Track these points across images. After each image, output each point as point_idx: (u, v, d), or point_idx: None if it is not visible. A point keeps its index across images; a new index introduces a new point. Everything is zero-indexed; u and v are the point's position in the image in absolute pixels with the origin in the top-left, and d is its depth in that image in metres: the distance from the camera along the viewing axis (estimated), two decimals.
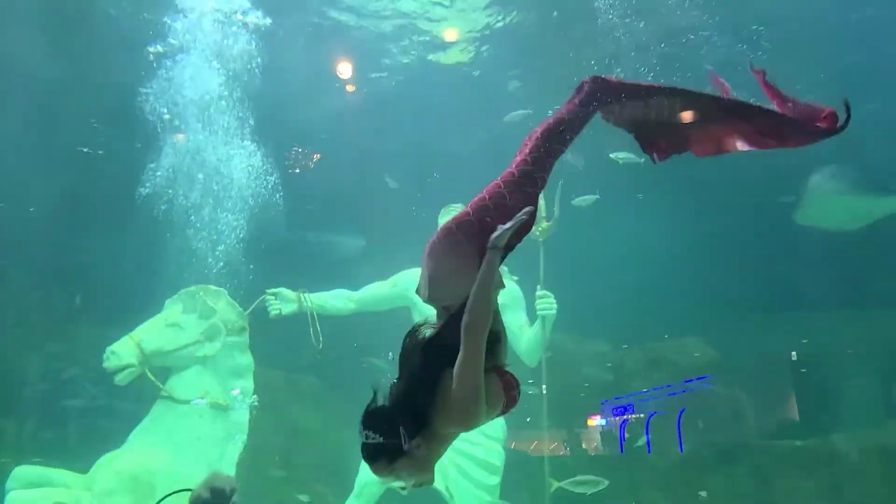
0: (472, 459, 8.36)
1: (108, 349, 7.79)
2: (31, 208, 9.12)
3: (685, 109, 3.29)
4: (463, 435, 8.30)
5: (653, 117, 3.33)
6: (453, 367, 2.73)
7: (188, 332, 8.06)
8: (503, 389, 2.91)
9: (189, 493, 4.24)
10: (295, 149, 10.60)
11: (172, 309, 8.19)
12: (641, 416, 10.28)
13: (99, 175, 9.81)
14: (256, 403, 8.22)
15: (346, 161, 10.43)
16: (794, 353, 12.11)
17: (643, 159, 3.45)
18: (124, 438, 7.91)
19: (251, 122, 9.14)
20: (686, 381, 10.05)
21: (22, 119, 9.24)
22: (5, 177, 9.41)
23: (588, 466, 10.62)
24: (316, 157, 10.77)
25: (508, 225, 2.89)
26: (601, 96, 3.27)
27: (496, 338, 2.95)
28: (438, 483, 8.25)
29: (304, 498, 8.10)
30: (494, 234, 2.87)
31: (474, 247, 2.94)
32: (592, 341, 11.33)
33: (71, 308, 9.61)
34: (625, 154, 8.59)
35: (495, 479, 8.39)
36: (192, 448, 7.84)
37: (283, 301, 8.57)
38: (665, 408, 9.81)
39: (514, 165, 3.16)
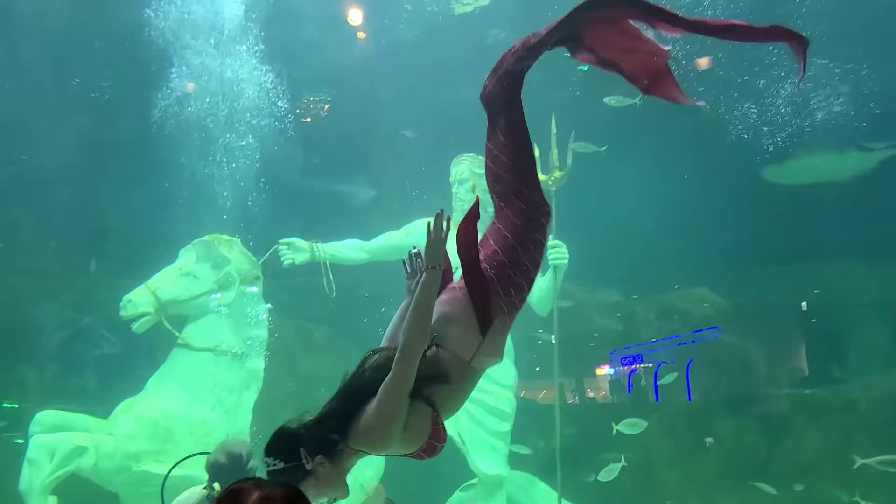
0: (484, 407, 8.48)
1: (125, 297, 7.91)
2: (44, 159, 9.11)
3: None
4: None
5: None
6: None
7: (202, 281, 8.16)
8: (429, 434, 2.79)
9: (206, 456, 4.32)
10: (306, 98, 10.53)
11: (187, 258, 8.27)
12: (650, 365, 10.39)
13: (111, 122, 9.80)
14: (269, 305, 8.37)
15: (357, 110, 10.35)
16: (804, 303, 12.11)
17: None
18: (143, 385, 8.08)
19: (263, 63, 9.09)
20: (695, 331, 10.12)
21: (34, 66, 9.22)
22: (21, 127, 9.42)
23: (596, 414, 10.80)
24: (325, 107, 10.70)
25: (427, 243, 2.87)
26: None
27: (442, 379, 2.84)
28: (451, 430, 8.38)
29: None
30: (426, 253, 2.84)
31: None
32: (603, 291, 11.36)
33: (86, 258, 9.70)
34: (617, 98, 8.53)
35: (506, 426, 8.53)
36: (209, 394, 8.00)
37: (295, 251, 8.64)
38: (674, 357, 9.91)
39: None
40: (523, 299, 3.00)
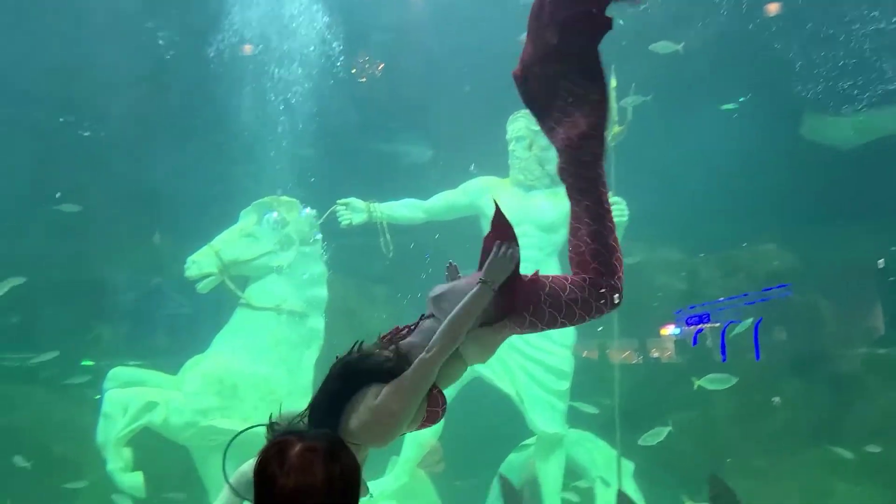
0: (542, 365, 8.46)
1: (189, 259, 8.14)
2: (99, 133, 9.36)
3: None
4: (532, 342, 8.38)
5: None
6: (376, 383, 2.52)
7: (263, 242, 8.32)
8: (426, 402, 2.70)
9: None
10: (362, 57, 10.49)
11: (247, 220, 8.44)
12: (717, 325, 10.15)
13: (173, 90, 9.98)
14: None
15: (413, 68, 10.27)
16: (881, 260, 11.59)
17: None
18: (209, 343, 8.34)
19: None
20: (765, 290, 9.82)
21: (95, 39, 9.43)
22: (89, 94, 9.68)
23: (661, 374, 10.66)
24: (380, 66, 10.64)
25: (494, 258, 2.77)
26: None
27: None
28: (508, 388, 8.42)
29: None
30: (486, 269, 2.74)
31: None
32: (665, 249, 11.11)
33: (153, 220, 9.96)
34: (663, 44, 8.23)
35: (565, 385, 8.49)
36: (272, 352, 8.21)
37: (353, 211, 8.70)
38: (741, 316, 9.65)
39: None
40: (531, 329, 2.93)
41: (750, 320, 8.42)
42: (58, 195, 9.17)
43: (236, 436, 3.54)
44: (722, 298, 10.06)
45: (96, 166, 9.85)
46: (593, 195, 2.99)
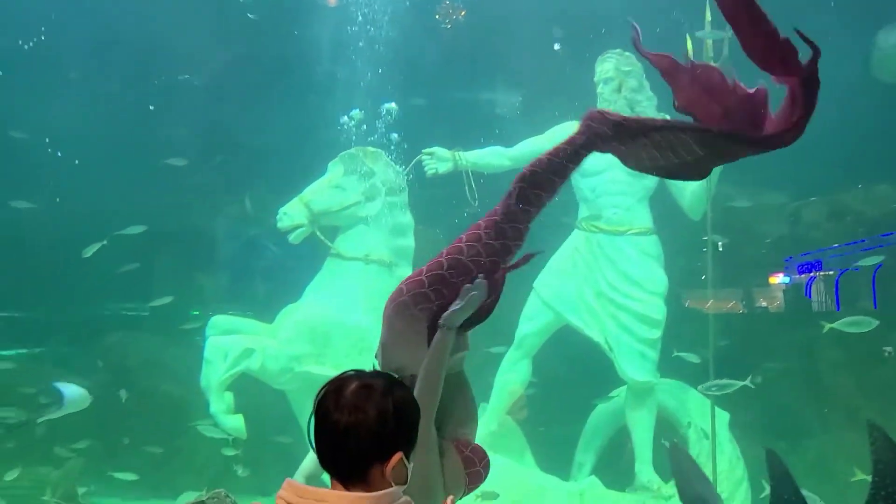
0: (632, 314, 8.29)
1: (281, 210, 8.36)
2: (184, 75, 9.60)
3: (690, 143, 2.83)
4: (622, 289, 8.19)
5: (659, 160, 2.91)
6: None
7: (350, 192, 8.45)
8: (462, 466, 2.60)
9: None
10: (445, 2, 10.32)
11: (335, 171, 8.57)
12: (831, 272, 9.64)
13: (260, 40, 10.13)
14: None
15: (499, 13, 10.02)
16: None
17: None
18: (302, 292, 8.60)
19: None
20: (885, 235, 9.24)
21: None
22: (181, 46, 9.95)
23: (765, 324, 10.24)
24: (462, 12, 10.43)
25: (459, 305, 2.67)
26: (599, 136, 2.99)
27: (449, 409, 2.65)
28: (597, 336, 8.31)
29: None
30: (446, 314, 2.66)
31: (426, 318, 2.73)
32: (766, 193, 10.55)
33: (247, 173, 10.24)
34: None
35: (656, 333, 8.30)
36: (361, 301, 8.39)
37: (438, 160, 8.67)
38: (853, 264, 9.11)
39: (497, 210, 2.99)
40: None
41: (874, 261, 7.94)
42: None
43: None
44: (836, 245, 9.54)
45: (192, 121, 10.18)
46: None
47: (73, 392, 7.27)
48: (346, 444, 1.62)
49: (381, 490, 1.61)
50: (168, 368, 9.41)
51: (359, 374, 1.72)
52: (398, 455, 1.64)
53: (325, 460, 1.66)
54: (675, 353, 8.32)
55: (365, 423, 1.62)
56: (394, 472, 1.64)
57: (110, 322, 10.54)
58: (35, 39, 9.79)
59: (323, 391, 1.69)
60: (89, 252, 8.52)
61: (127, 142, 10.01)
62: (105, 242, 8.69)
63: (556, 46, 10.34)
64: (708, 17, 7.62)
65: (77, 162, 9.73)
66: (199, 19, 9.76)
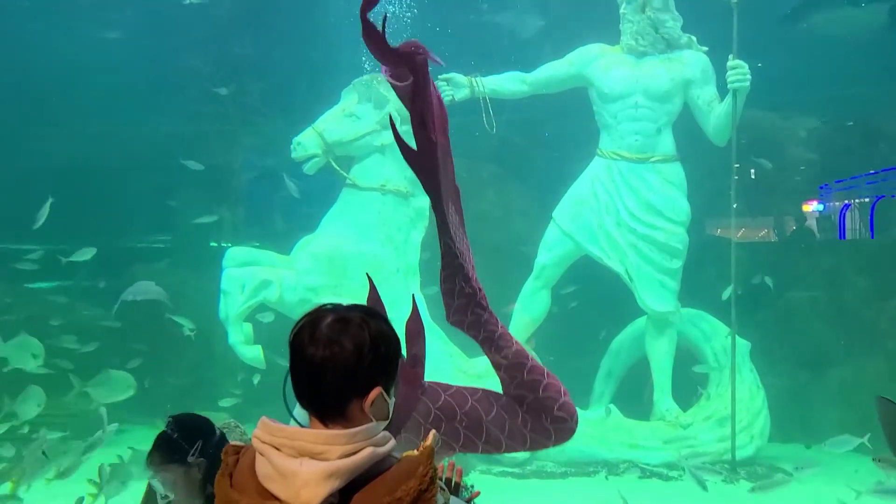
0: (654, 243, 8.14)
1: (295, 140, 8.22)
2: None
3: None
4: (642, 218, 8.02)
5: None
6: None
7: (365, 121, 8.27)
8: None
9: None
10: None
11: (348, 99, 8.38)
12: (867, 199, 9.38)
13: None
14: None
15: None
16: None
17: None
18: (318, 223, 8.54)
19: None
20: None
21: None
22: None
23: (791, 252, 10.02)
24: None
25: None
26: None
27: None
28: (617, 266, 8.19)
29: None
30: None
31: None
32: (797, 117, 10.18)
33: (264, 103, 10.09)
34: None
35: (677, 263, 8.16)
36: (378, 232, 8.32)
37: (455, 86, 8.42)
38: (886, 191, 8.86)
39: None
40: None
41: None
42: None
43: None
44: (873, 171, 9.26)
45: (205, 52, 10.00)
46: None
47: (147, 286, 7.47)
48: (323, 380, 1.54)
49: (359, 425, 1.54)
50: (191, 300, 9.48)
51: (335, 307, 1.63)
52: (377, 390, 1.56)
53: (303, 396, 1.59)
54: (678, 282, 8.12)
55: (341, 356, 1.53)
56: (373, 407, 1.56)
57: (133, 254, 10.62)
58: None
59: (298, 326, 1.61)
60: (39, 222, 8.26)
61: (145, 72, 9.89)
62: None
63: None
64: None
65: (94, 93, 9.63)
66: None
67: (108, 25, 9.90)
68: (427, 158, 2.46)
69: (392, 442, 1.57)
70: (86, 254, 8.51)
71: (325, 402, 1.56)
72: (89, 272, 10.33)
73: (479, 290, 2.70)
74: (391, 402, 1.61)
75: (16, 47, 9.62)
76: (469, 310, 2.61)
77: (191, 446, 2.68)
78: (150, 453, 2.74)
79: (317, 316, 1.59)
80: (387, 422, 1.62)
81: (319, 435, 1.52)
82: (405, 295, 8.00)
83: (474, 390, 2.76)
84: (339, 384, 1.55)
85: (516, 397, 2.70)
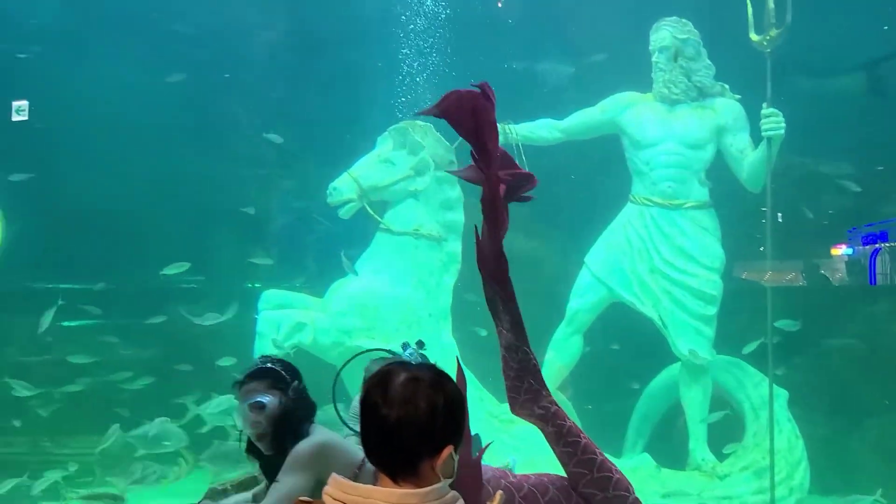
0: (687, 289, 8.11)
1: (331, 185, 8.37)
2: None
3: None
4: (676, 264, 8.02)
5: None
6: None
7: (399, 167, 8.41)
8: None
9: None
10: None
11: (384, 145, 8.54)
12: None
13: (315, 24, 10.11)
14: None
15: None
16: None
17: None
18: (351, 266, 8.61)
19: None
20: None
21: None
22: (236, 31, 10.01)
23: (827, 298, 9.92)
24: None
25: None
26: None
27: None
28: (651, 312, 8.16)
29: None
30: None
31: None
32: (831, 163, 10.14)
33: (300, 148, 10.27)
34: None
35: (712, 310, 8.11)
36: (411, 276, 8.40)
37: None
38: None
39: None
40: None
41: None
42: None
43: (348, 361, 3.62)
44: None
45: (245, 98, 10.26)
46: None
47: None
48: (397, 439, 1.58)
49: (430, 484, 1.58)
50: (226, 340, 9.58)
51: (404, 365, 1.69)
52: (448, 449, 1.61)
53: (374, 455, 1.63)
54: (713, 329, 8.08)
55: (416, 417, 1.58)
56: (443, 465, 1.61)
57: (167, 294, 10.77)
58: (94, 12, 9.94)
59: (369, 385, 1.66)
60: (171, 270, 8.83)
61: (182, 116, 10.15)
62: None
63: (609, 12, 10.05)
64: None
65: (135, 135, 9.89)
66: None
67: (149, 71, 10.20)
68: (501, 271, 2.50)
69: (460, 501, 1.61)
70: (180, 267, 8.92)
71: (398, 460, 1.61)
72: (125, 311, 10.51)
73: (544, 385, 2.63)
74: (456, 459, 1.66)
75: (60, 90, 9.94)
76: (536, 404, 2.53)
77: (291, 381, 2.85)
78: (250, 379, 2.87)
79: (388, 374, 1.65)
80: (452, 479, 1.66)
81: (392, 494, 1.56)
82: (436, 339, 8.09)
83: (529, 476, 2.67)
84: (414, 444, 1.59)
85: (584, 496, 2.61)
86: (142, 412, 8.35)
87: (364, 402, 1.65)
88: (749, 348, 7.98)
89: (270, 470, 2.86)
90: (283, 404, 2.83)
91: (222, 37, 10.05)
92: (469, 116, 2.40)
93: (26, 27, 10.14)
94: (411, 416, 1.58)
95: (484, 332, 7.84)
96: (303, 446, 2.82)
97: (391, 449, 1.60)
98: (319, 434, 2.91)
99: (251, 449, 2.96)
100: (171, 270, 8.96)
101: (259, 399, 2.82)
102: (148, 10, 9.91)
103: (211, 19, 9.87)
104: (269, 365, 2.94)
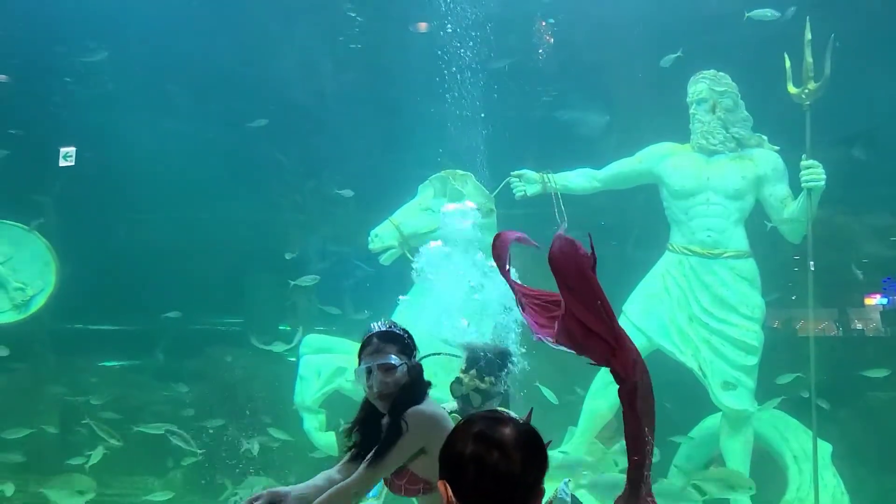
0: (727, 339, 8.07)
1: (372, 232, 8.54)
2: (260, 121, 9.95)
3: None
4: (716, 314, 7.97)
5: None
6: None
7: (440, 215, 8.54)
8: None
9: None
10: (534, 24, 10.34)
11: (425, 194, 8.70)
12: None
13: (358, 70, 10.38)
14: None
15: (587, 34, 9.98)
16: None
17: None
18: (392, 312, 8.73)
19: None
20: None
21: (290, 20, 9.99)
22: (275, 76, 10.31)
23: (863, 347, 9.79)
24: (549, 38, 10.41)
25: None
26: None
27: None
28: (691, 362, 8.12)
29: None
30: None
31: None
32: (871, 213, 10.10)
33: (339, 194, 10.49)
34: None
35: (753, 360, 8.04)
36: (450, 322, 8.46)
37: (527, 182, 8.70)
38: None
39: None
40: None
41: None
42: None
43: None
44: None
45: (287, 145, 10.52)
46: None
47: None
48: (503, 491, 1.63)
49: None
50: (264, 382, 9.70)
51: (490, 416, 1.74)
52: (541, 492, 1.68)
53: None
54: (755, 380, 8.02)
55: (514, 471, 1.64)
56: None
57: (208, 336, 10.95)
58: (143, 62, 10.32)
59: (463, 437, 1.70)
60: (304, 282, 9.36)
61: (226, 163, 10.43)
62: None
63: (646, 63, 10.22)
64: (808, 36, 7.43)
65: (180, 182, 10.16)
66: (293, 42, 10.10)
67: (193, 112, 10.51)
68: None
69: None
70: (310, 281, 9.36)
71: None
72: (165, 352, 10.70)
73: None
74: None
75: (100, 136, 10.28)
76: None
77: (414, 350, 3.10)
78: (378, 340, 3.04)
79: (480, 427, 1.70)
80: None
81: None
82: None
83: None
84: (514, 497, 1.65)
85: None
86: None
87: (464, 455, 1.66)
88: (785, 379, 7.86)
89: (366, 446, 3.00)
90: (411, 370, 2.91)
91: (265, 85, 10.37)
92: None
93: (75, 71, 10.52)
94: (511, 471, 1.63)
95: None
96: (423, 411, 2.98)
97: (497, 501, 1.65)
98: (435, 406, 3.08)
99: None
100: (304, 283, 9.31)
101: (391, 360, 2.91)
102: (193, 61, 10.25)
103: (252, 70, 10.19)
104: (397, 331, 3.11)
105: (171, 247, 10.26)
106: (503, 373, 4.28)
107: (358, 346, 8.60)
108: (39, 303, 9.49)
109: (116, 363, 10.84)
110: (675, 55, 8.67)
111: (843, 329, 10.71)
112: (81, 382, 9.90)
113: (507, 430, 1.68)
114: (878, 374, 8.01)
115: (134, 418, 9.16)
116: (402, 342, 3.06)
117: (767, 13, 8.08)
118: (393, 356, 2.98)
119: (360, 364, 3.06)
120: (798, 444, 8.03)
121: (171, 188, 10.21)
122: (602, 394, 8.36)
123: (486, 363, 4.25)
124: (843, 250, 9.67)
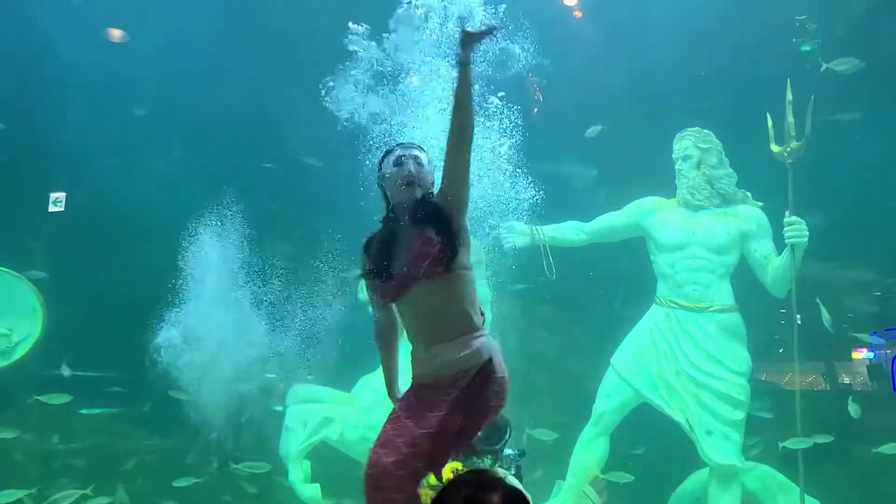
0: (715, 393, 8.09)
1: (361, 283, 8.52)
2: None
3: None
4: (703, 368, 8.03)
5: None
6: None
7: None
8: None
9: None
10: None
11: None
12: None
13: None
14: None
15: (571, 90, 10.20)
16: None
17: None
18: (378, 363, 8.69)
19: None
20: None
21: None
22: (290, 128, 10.41)
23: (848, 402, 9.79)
24: (538, 95, 10.63)
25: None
26: None
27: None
28: (678, 415, 8.13)
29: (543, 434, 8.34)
30: (461, 51, 3.07)
31: None
32: (855, 269, 10.25)
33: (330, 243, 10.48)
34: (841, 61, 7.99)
35: (739, 415, 8.06)
36: None
37: (515, 234, 8.78)
38: None
39: None
40: None
41: None
42: None
43: None
44: None
45: (286, 196, 10.59)
46: None
47: None
48: None
49: None
50: (249, 433, 9.57)
51: (478, 483, 1.76)
52: None
53: None
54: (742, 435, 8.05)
55: None
56: None
57: None
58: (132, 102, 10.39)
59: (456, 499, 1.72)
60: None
61: (215, 209, 10.45)
62: None
63: (631, 118, 10.44)
64: (789, 97, 7.65)
65: (164, 227, 10.16)
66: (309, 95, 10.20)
67: (184, 165, 10.54)
68: None
69: None
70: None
71: None
72: (145, 398, 10.55)
73: None
74: None
75: (89, 182, 10.28)
76: None
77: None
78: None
79: (468, 492, 1.72)
80: None
81: None
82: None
83: None
84: None
85: None
86: None
87: None
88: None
89: None
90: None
91: (264, 135, 10.48)
92: None
93: (64, 119, 10.56)
94: None
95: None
96: None
97: None
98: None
99: None
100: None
101: (422, 151, 3.54)
102: (184, 106, 10.34)
103: (251, 120, 10.30)
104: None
105: (150, 288, 10.20)
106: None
107: (344, 395, 8.53)
108: (24, 349, 9.38)
109: (95, 410, 10.67)
110: (599, 128, 9.11)
111: (831, 383, 10.76)
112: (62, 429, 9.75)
113: (496, 498, 1.71)
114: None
115: (114, 466, 9.03)
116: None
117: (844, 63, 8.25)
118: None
119: (393, 155, 3.39)
120: (786, 499, 8.00)
121: (156, 234, 10.20)
122: (590, 446, 8.33)
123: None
124: (828, 305, 9.77)
